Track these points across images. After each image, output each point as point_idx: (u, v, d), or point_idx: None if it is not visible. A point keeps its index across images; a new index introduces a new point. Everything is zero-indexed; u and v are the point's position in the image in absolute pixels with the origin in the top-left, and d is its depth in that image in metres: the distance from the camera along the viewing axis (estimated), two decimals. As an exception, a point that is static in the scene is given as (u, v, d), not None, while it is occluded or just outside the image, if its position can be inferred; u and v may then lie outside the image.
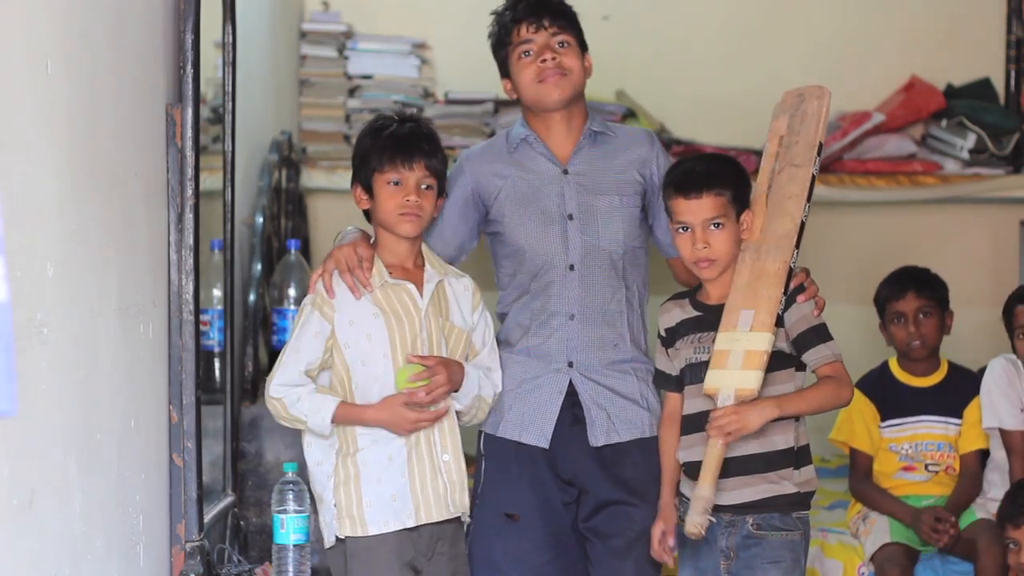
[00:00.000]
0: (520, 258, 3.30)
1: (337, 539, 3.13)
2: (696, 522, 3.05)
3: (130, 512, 2.80)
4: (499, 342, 3.34)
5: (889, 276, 4.26)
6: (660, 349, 3.27)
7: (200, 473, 3.09)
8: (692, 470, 3.17)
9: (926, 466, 4.15)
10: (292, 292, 4.18)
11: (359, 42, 5.22)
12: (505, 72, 3.32)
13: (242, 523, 3.68)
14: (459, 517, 3.20)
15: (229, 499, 3.62)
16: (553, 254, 3.28)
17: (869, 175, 5.13)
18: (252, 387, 4.01)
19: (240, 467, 3.87)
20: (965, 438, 4.15)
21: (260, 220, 4.18)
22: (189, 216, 3.02)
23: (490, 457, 3.32)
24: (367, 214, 3.22)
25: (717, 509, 3.10)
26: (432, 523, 3.13)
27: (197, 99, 3.05)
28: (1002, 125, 5.17)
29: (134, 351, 2.83)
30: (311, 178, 5.02)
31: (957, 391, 4.18)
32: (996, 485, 4.11)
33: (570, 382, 3.28)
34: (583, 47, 3.31)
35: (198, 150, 3.04)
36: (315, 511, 3.20)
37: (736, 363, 3.08)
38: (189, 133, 3.01)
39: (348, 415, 3.10)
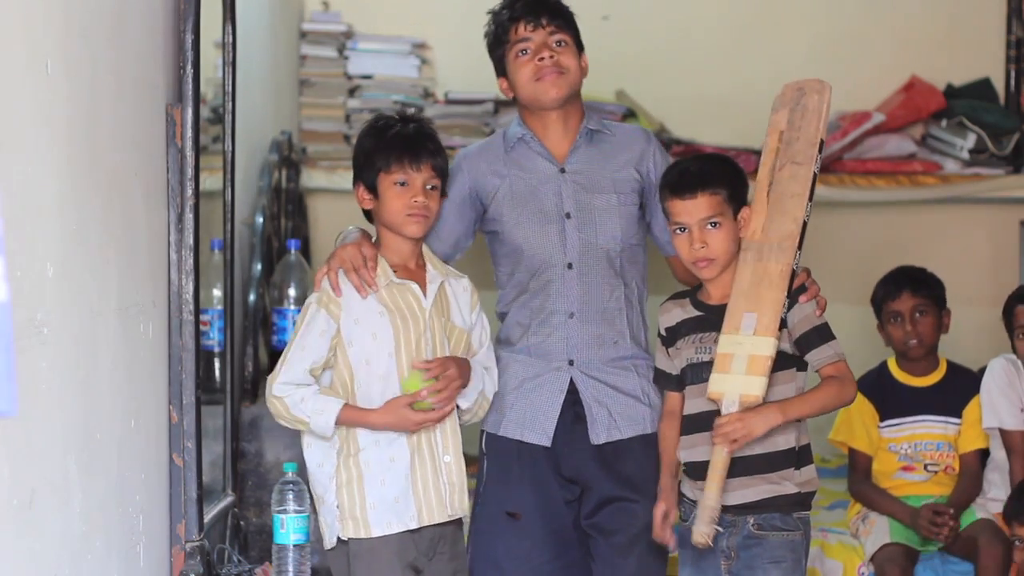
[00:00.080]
0: (518, 257, 3.30)
1: (339, 540, 3.12)
2: (703, 531, 3.05)
3: (130, 512, 2.80)
4: (499, 341, 3.35)
5: (885, 276, 4.27)
6: (660, 348, 3.27)
7: (200, 473, 3.09)
8: (693, 470, 3.18)
9: (925, 466, 4.15)
10: (292, 292, 4.18)
11: (359, 42, 5.22)
12: (501, 71, 3.33)
13: (242, 523, 3.68)
14: (459, 518, 3.20)
15: (229, 499, 3.62)
16: (551, 253, 3.28)
17: (869, 175, 5.13)
18: (252, 387, 4.01)
19: (240, 467, 3.87)
20: (965, 438, 4.15)
21: (260, 220, 4.18)
22: (189, 216, 3.02)
23: (492, 456, 3.33)
24: (367, 214, 3.22)
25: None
26: (433, 524, 3.13)
27: (197, 99, 3.05)
28: (1002, 125, 5.17)
29: (134, 351, 2.83)
30: (311, 178, 5.02)
31: (956, 391, 4.18)
32: (996, 485, 4.11)
33: (571, 380, 3.28)
34: (580, 47, 3.32)
35: (198, 150, 3.05)
36: (315, 511, 3.19)
37: (740, 368, 3.08)
38: (189, 133, 3.02)
39: (352, 418, 3.09)
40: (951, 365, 4.23)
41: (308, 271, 4.25)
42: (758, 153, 3.56)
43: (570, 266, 3.28)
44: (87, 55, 2.54)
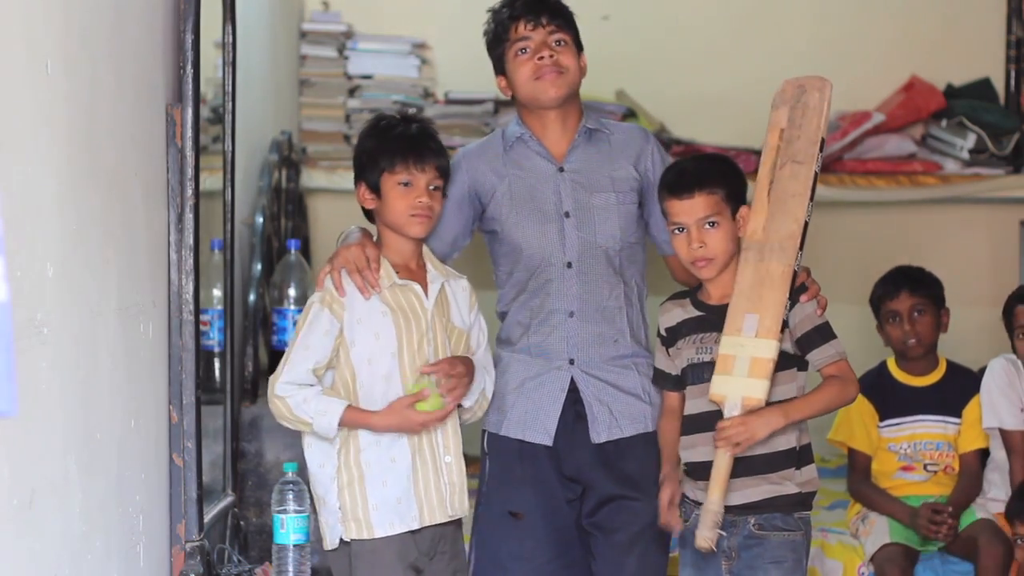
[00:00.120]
0: (517, 256, 3.30)
1: (341, 541, 3.12)
2: (707, 536, 3.05)
3: (130, 512, 2.80)
4: (500, 341, 3.35)
5: (883, 276, 4.27)
6: (660, 348, 3.27)
7: (200, 473, 3.09)
8: (694, 470, 3.18)
9: (925, 466, 4.15)
10: (292, 292, 4.18)
11: (359, 42, 5.22)
12: (500, 69, 3.33)
13: (242, 523, 3.68)
14: (459, 518, 3.20)
15: (229, 499, 3.62)
16: (550, 252, 3.28)
17: (869, 175, 5.13)
18: (252, 387, 4.01)
19: (240, 467, 3.87)
20: (965, 437, 4.15)
21: (260, 220, 4.18)
22: (189, 216, 3.02)
23: (493, 456, 3.33)
24: (368, 213, 3.22)
25: (718, 510, 3.11)
26: (434, 524, 3.13)
27: (197, 99, 3.05)
28: (1002, 125, 5.17)
29: (134, 351, 2.83)
30: (311, 178, 5.02)
31: (956, 390, 4.18)
32: (996, 485, 4.11)
33: (571, 379, 3.28)
34: (579, 47, 3.32)
35: (198, 150, 3.05)
36: (315, 511, 3.19)
37: (742, 370, 3.07)
38: (189, 133, 3.02)
39: (355, 420, 3.08)
40: (951, 365, 4.22)
41: (308, 271, 4.25)
42: (758, 153, 3.56)
43: (569, 265, 3.28)
44: (87, 55, 2.54)
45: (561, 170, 3.31)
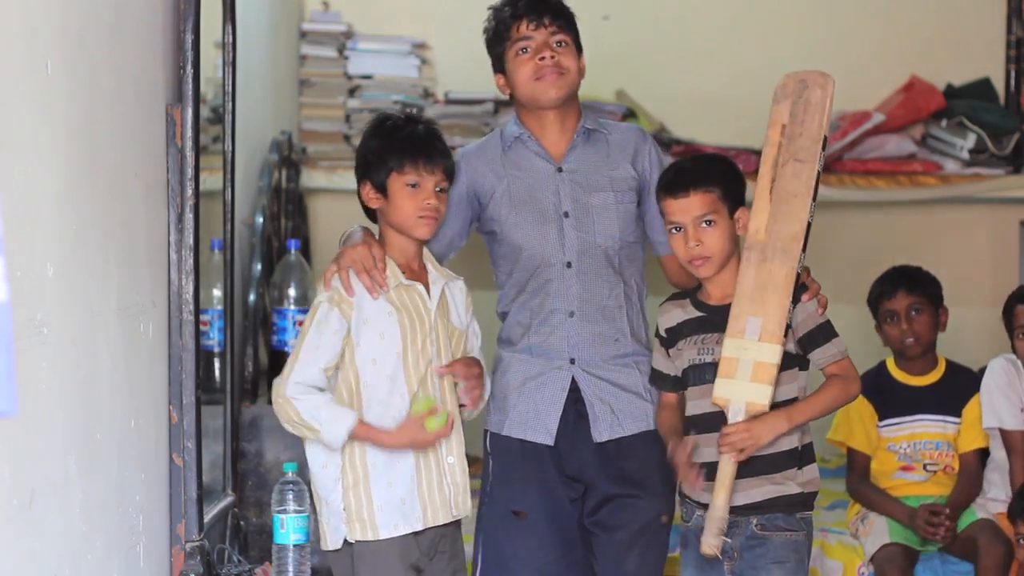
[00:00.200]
0: (517, 256, 3.30)
1: (345, 542, 3.11)
2: (712, 543, 3.05)
3: (130, 512, 2.80)
4: (501, 341, 3.36)
5: (880, 276, 4.27)
6: (658, 349, 3.27)
7: (200, 473, 3.08)
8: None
9: (924, 466, 4.15)
10: (292, 292, 4.18)
11: (359, 42, 5.23)
12: (499, 67, 3.33)
13: (242, 523, 3.68)
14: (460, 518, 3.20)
15: (229, 499, 3.62)
16: (550, 252, 3.28)
17: (869, 175, 5.13)
18: (252, 387, 4.01)
19: (240, 467, 3.87)
20: (964, 437, 4.14)
21: (260, 220, 4.18)
22: (189, 216, 3.02)
23: (496, 456, 3.33)
24: (370, 213, 3.21)
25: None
26: (437, 525, 3.13)
27: (197, 99, 3.05)
28: (1002, 125, 5.17)
29: (134, 351, 2.83)
30: (311, 178, 5.02)
31: (955, 390, 4.18)
32: (996, 485, 4.11)
33: (573, 378, 3.29)
34: (579, 48, 3.32)
35: (198, 150, 3.05)
36: (315, 511, 3.19)
37: (745, 374, 3.06)
38: (189, 133, 3.02)
39: (366, 435, 3.06)
40: (950, 364, 4.22)
41: (308, 271, 4.25)
42: (758, 153, 3.55)
43: (569, 265, 3.28)
44: (87, 55, 2.54)
45: (560, 170, 3.31)
